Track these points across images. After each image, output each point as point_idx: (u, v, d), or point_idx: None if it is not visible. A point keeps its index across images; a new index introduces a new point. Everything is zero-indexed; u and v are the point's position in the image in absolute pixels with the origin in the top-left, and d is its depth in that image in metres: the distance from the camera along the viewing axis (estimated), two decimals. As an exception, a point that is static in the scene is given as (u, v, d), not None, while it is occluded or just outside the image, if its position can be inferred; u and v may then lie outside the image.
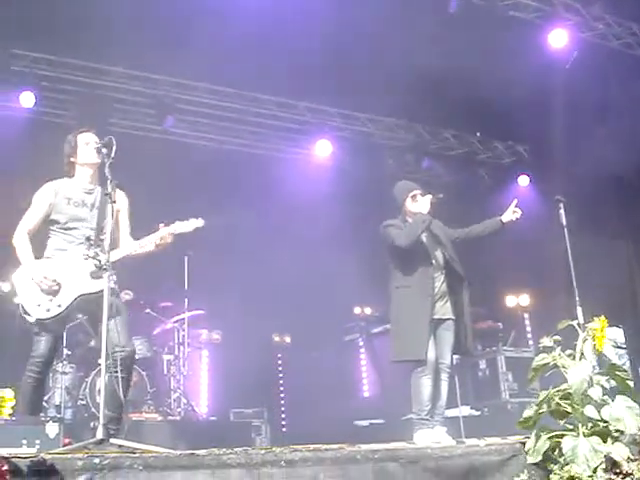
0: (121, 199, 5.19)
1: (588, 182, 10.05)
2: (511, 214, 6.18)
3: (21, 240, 4.99)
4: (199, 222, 5.06)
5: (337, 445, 3.65)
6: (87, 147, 5.08)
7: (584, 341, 3.83)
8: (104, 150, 4.81)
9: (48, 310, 4.85)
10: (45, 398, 7.98)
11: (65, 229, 5.04)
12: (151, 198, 5.57)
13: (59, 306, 4.86)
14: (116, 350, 4.69)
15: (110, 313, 4.39)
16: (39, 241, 5.09)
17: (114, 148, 4.70)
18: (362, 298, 12.17)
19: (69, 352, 8.37)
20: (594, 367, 3.77)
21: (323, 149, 11.48)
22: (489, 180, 12.69)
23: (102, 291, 4.77)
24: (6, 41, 8.98)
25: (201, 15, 7.79)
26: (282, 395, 12.17)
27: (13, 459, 2.85)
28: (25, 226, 5.03)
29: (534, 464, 3.80)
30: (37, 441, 4.57)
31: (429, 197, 5.99)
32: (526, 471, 3.78)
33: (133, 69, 9.87)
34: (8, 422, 4.95)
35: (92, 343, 8.13)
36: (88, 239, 4.96)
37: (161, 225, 4.99)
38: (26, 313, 4.87)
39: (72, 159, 5.18)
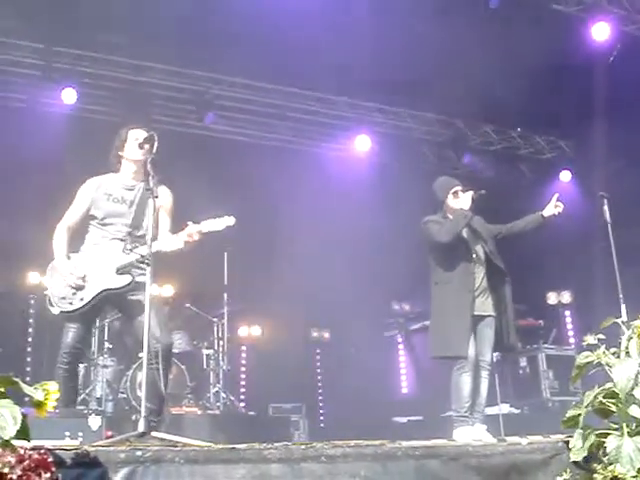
0: (164, 196, 5.15)
1: (631, 177, 9.90)
2: (552, 208, 6.07)
3: (57, 235, 5.04)
4: (230, 220, 4.89)
5: (378, 441, 3.63)
6: (135, 143, 5.06)
7: (629, 339, 3.76)
8: (146, 146, 4.85)
9: (71, 303, 4.90)
10: (86, 391, 8.12)
11: (102, 225, 5.06)
12: (190, 194, 5.55)
13: (82, 300, 4.89)
14: (153, 343, 4.71)
15: (142, 307, 4.35)
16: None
17: (156, 144, 4.70)
18: (401, 294, 12.14)
19: (110, 345, 8.48)
20: (640, 365, 3.70)
21: (362, 144, 11.46)
22: (530, 175, 12.56)
23: (127, 286, 4.86)
24: (49, 39, 9.11)
25: (241, 12, 7.81)
26: (320, 391, 12.21)
27: (57, 451, 2.87)
28: (66, 221, 5.09)
29: (577, 463, 3.74)
30: (80, 433, 4.63)
31: (470, 193, 5.94)
32: (569, 470, 3.72)
33: (174, 66, 9.93)
34: (52, 415, 5.02)
35: (126, 338, 8.24)
36: (129, 234, 4.99)
37: (189, 223, 4.94)
38: (51, 305, 4.94)
39: (120, 153, 5.18)
